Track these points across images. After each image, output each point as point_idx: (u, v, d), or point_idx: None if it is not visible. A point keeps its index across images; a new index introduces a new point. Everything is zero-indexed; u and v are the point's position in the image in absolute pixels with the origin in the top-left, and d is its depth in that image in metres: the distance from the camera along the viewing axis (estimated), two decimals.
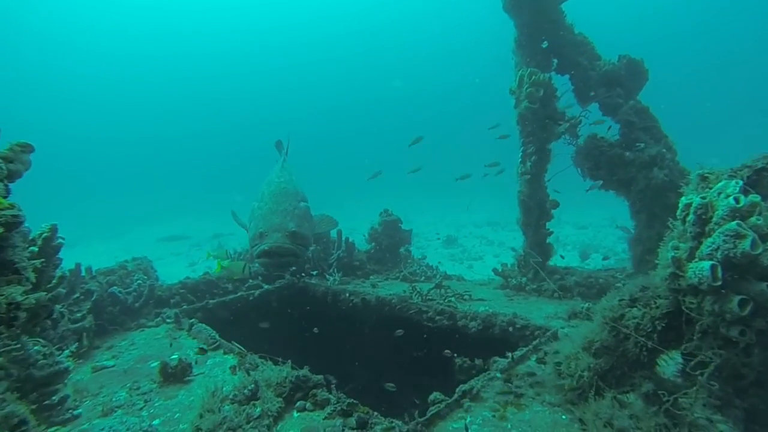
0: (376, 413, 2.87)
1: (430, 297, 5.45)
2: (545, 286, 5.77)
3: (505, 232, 21.36)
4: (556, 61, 6.06)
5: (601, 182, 5.40)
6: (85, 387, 3.65)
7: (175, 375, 3.68)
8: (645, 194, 5.16)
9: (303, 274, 6.75)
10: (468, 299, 5.56)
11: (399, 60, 75.39)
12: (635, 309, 2.46)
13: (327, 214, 5.78)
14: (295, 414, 2.99)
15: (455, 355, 4.68)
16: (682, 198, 2.16)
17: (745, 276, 1.91)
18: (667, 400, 2.01)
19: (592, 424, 2.38)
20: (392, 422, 2.76)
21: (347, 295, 5.98)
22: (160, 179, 61.06)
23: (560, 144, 6.08)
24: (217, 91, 75.50)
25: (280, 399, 3.03)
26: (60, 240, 2.60)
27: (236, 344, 4.23)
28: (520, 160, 6.10)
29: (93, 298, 4.62)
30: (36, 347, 2.35)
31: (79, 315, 4.27)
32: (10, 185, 1.74)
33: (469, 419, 2.87)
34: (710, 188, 2.04)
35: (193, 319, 4.87)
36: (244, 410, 2.85)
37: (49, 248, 2.48)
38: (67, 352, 3.02)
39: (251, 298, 6.09)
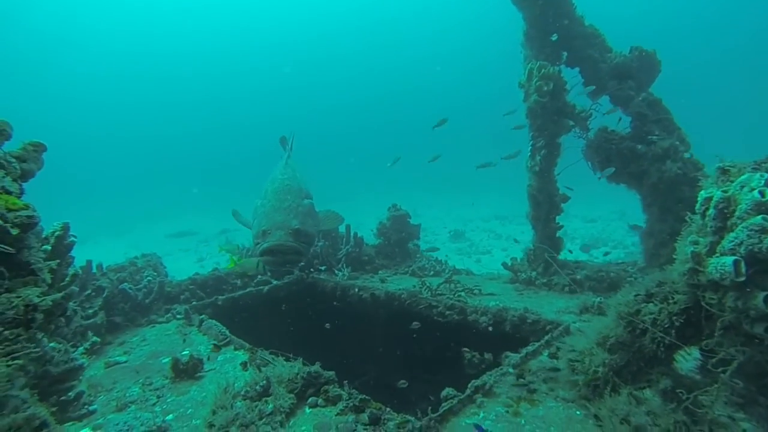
0: (388, 409, 2.87)
1: (440, 292, 5.43)
2: (556, 280, 5.73)
3: (512, 225, 21.27)
4: (565, 54, 5.97)
5: (613, 169, 5.30)
6: (99, 382, 3.68)
7: (186, 371, 3.70)
8: (657, 187, 5.09)
9: (312, 270, 6.75)
10: (478, 294, 5.53)
11: (407, 55, 75.09)
12: (651, 304, 2.42)
13: (333, 210, 5.73)
14: (308, 410, 2.99)
15: (465, 349, 4.67)
16: (701, 192, 2.12)
17: None
18: (687, 398, 1.98)
19: (608, 421, 2.36)
20: (405, 418, 2.75)
21: (356, 290, 5.98)
22: (166, 175, 61.36)
23: (570, 137, 6.01)
24: (224, 87, 75.62)
25: (292, 395, 3.03)
26: (72, 238, 2.61)
27: (246, 342, 4.24)
28: (529, 153, 6.04)
29: (104, 295, 4.65)
30: (51, 344, 2.36)
31: (91, 311, 4.30)
32: (24, 185, 1.74)
33: (482, 415, 2.86)
34: (732, 181, 2.00)
35: (203, 315, 4.90)
36: (256, 406, 2.86)
37: (61, 246, 2.49)
38: (81, 349, 3.04)
39: (260, 293, 6.11)
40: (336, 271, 6.61)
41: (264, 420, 2.75)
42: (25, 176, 1.76)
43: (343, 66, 77.70)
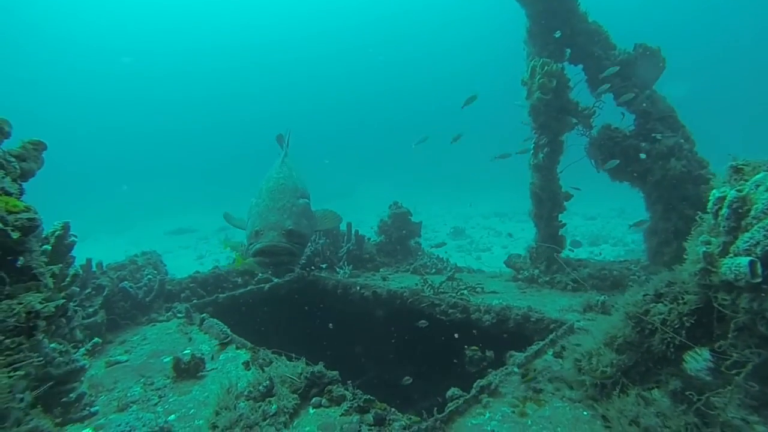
0: (393, 409, 2.84)
1: (442, 290, 5.40)
2: (558, 278, 5.71)
3: (512, 223, 21.27)
4: (569, 51, 5.93)
5: (617, 161, 5.25)
6: (100, 382, 3.65)
7: (188, 371, 3.67)
8: (661, 185, 5.06)
9: (313, 268, 6.72)
10: (480, 292, 5.51)
11: (408, 51, 74.92)
12: (661, 305, 2.39)
13: (330, 209, 5.62)
14: (311, 410, 2.96)
15: (466, 346, 4.64)
16: (713, 191, 2.08)
17: None
18: (699, 399, 1.95)
19: (617, 422, 2.33)
20: (411, 419, 2.73)
21: (358, 288, 5.95)
22: (165, 173, 61.28)
23: (573, 135, 5.98)
24: (224, 84, 75.44)
25: (295, 395, 3.00)
26: (73, 238, 2.57)
27: (247, 341, 4.21)
28: (532, 151, 6.01)
29: (104, 294, 4.61)
30: (52, 345, 2.33)
31: (91, 310, 4.26)
32: (24, 184, 1.69)
33: (488, 415, 2.83)
34: (746, 180, 1.96)
35: (204, 314, 4.86)
36: (259, 407, 2.83)
37: (62, 246, 2.44)
38: (83, 349, 3.00)
39: (261, 291, 6.08)
40: (337, 269, 6.58)
41: (268, 421, 2.72)
42: (25, 176, 1.71)
43: (344, 62, 77.66)
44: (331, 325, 5.37)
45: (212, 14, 71.37)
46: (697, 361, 2.24)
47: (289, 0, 71.27)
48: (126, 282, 5.05)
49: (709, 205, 2.09)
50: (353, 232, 7.10)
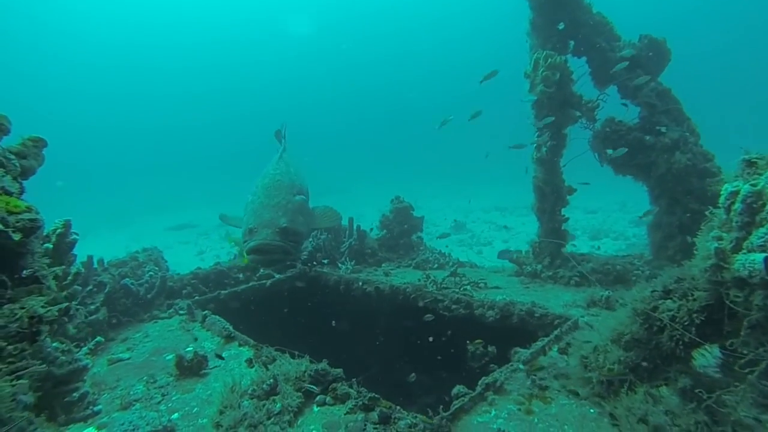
0: (398, 407, 2.82)
1: (445, 285, 5.38)
2: (561, 273, 5.68)
3: (513, 217, 21.23)
4: (572, 43, 5.86)
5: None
6: (103, 380, 3.63)
7: (191, 368, 3.65)
8: (666, 179, 5.01)
9: (314, 263, 6.69)
10: (483, 287, 5.48)
11: (409, 45, 74.54)
12: (669, 301, 2.36)
13: (330, 206, 5.52)
14: (315, 408, 2.94)
15: (468, 341, 4.62)
16: (725, 185, 2.04)
17: None
18: (709, 397, 1.93)
19: (625, 420, 2.31)
20: (416, 417, 2.70)
21: (360, 284, 5.92)
22: (166, 168, 61.17)
23: (576, 128, 5.92)
24: (225, 79, 75.18)
25: (299, 393, 2.98)
26: (74, 236, 2.53)
27: (249, 338, 4.19)
28: (535, 145, 5.96)
29: (106, 291, 4.58)
30: (54, 344, 2.30)
31: (92, 307, 4.24)
32: (24, 182, 1.65)
33: (494, 413, 2.81)
34: (759, 174, 1.92)
35: (206, 311, 4.84)
36: (264, 406, 2.81)
37: (63, 245, 2.40)
38: (85, 349, 2.97)
39: (263, 287, 6.06)
40: (339, 264, 6.55)
41: (272, 420, 2.70)
42: (25, 173, 1.66)
43: (345, 57, 77.16)
44: (334, 322, 5.34)
45: (210, 9, 70.93)
46: (707, 358, 2.21)
47: None
48: (127, 279, 5.02)
49: (721, 199, 2.05)
50: (355, 227, 7.06)
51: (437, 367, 5.48)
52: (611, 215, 20.05)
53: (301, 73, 77.14)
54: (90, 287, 4.47)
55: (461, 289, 5.26)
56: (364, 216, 12.12)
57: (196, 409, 3.16)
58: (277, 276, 6.25)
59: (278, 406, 2.80)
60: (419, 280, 5.59)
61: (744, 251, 1.87)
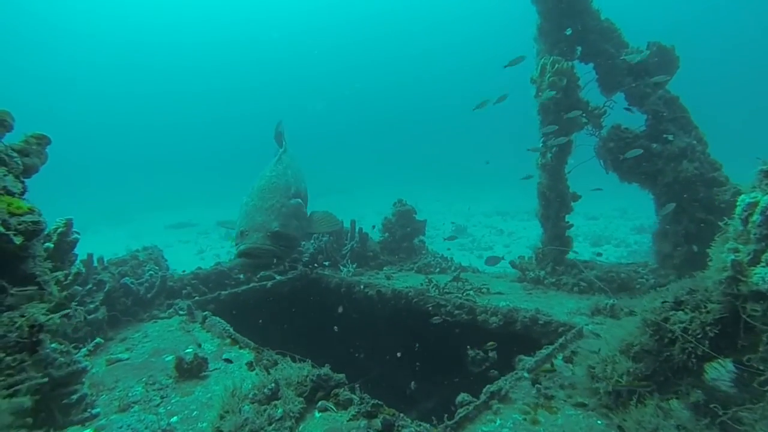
0: (402, 415, 2.77)
1: (448, 290, 5.33)
2: (564, 280, 5.64)
3: (514, 221, 21.20)
4: (580, 48, 5.83)
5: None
6: (101, 381, 3.58)
7: (191, 370, 3.60)
8: (672, 187, 4.97)
9: (316, 265, 6.65)
10: (486, 292, 5.44)
11: (411, 47, 74.67)
12: (681, 312, 2.32)
13: (329, 211, 5.42)
14: (317, 414, 2.90)
15: (468, 346, 4.58)
16: (742, 196, 2.00)
17: None
18: (725, 413, 1.88)
19: None
20: (420, 425, 2.66)
21: (362, 287, 5.87)
22: (166, 166, 61.16)
23: (582, 135, 5.89)
24: (225, 78, 75.26)
25: (301, 399, 2.93)
26: (75, 235, 2.48)
27: (250, 340, 4.14)
28: (540, 150, 5.92)
29: (106, 289, 4.54)
30: (53, 345, 2.25)
31: (92, 306, 4.19)
32: (26, 181, 1.60)
33: (499, 422, 2.76)
34: None
35: (206, 312, 4.79)
36: (265, 411, 2.76)
37: (64, 244, 2.36)
38: (84, 350, 2.92)
39: (264, 288, 6.01)
40: (341, 267, 6.50)
41: (273, 425, 2.65)
42: (27, 172, 1.61)
43: (346, 57, 77.32)
44: (336, 328, 5.28)
45: (213, 7, 71.08)
46: (719, 371, 2.16)
47: None
48: (127, 278, 4.98)
49: (738, 210, 2.01)
50: (357, 229, 7.01)
51: (438, 372, 5.43)
52: (612, 222, 20.02)
53: (303, 73, 77.28)
54: (89, 286, 4.43)
55: (464, 294, 5.22)
56: (365, 218, 12.09)
57: (195, 412, 3.11)
58: (278, 277, 6.20)
59: (280, 411, 2.75)
60: (421, 284, 5.55)
61: (763, 264, 1.83)
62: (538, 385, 3.16)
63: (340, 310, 5.34)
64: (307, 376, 3.07)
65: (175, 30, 71.52)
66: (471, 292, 5.24)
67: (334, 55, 76.56)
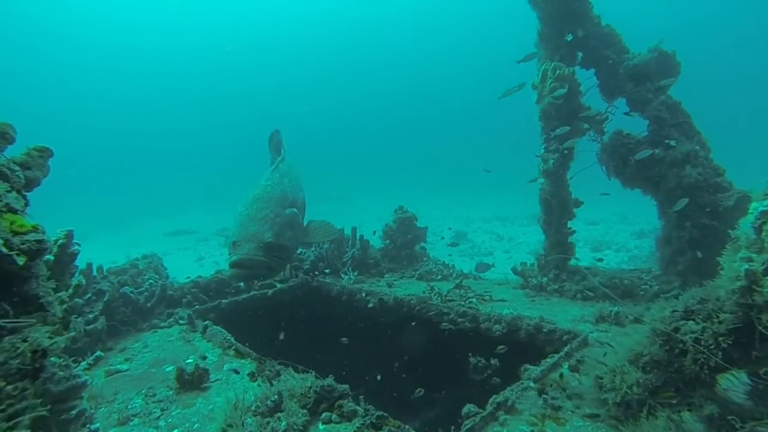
0: (407, 427, 2.73)
1: (450, 298, 5.29)
2: (567, 287, 5.60)
3: (514, 227, 21.17)
4: (581, 54, 5.83)
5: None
6: (100, 393, 3.52)
7: (192, 381, 3.55)
8: (676, 193, 4.94)
9: (317, 273, 6.60)
10: (489, 300, 5.39)
11: (410, 52, 74.99)
12: (692, 322, 2.28)
13: (326, 221, 5.33)
14: (321, 426, 2.84)
15: (470, 354, 4.52)
16: (754, 204, 1.97)
17: None
18: (742, 426, 1.84)
19: None
20: None
21: (363, 295, 5.82)
22: (165, 172, 61.09)
23: (583, 141, 5.87)
24: (224, 84, 75.41)
25: (305, 411, 2.88)
26: (76, 246, 2.44)
27: (251, 349, 4.09)
28: (542, 157, 5.90)
29: (105, 299, 4.49)
30: (51, 358, 2.20)
31: (91, 316, 4.13)
32: (28, 195, 1.56)
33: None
34: None
35: (207, 321, 4.74)
36: (268, 424, 2.70)
37: (65, 256, 2.31)
38: (84, 364, 2.87)
39: (264, 297, 5.96)
40: (342, 275, 6.45)
41: None
42: (29, 185, 1.56)
43: (344, 63, 77.66)
44: (345, 339, 5.20)
45: (213, 12, 71.42)
46: (733, 383, 2.12)
47: (292, 1, 71.39)
48: (127, 287, 4.93)
49: (751, 218, 1.98)
50: (358, 237, 6.97)
51: (441, 381, 5.38)
52: (612, 227, 19.99)
53: (302, 80, 77.51)
54: (89, 295, 4.38)
55: (467, 302, 5.17)
56: (365, 224, 12.02)
57: (197, 425, 3.05)
58: (279, 285, 6.15)
59: (283, 424, 2.70)
60: (423, 291, 5.50)
61: None
62: (545, 396, 3.11)
63: (345, 340, 5.27)
64: (310, 388, 3.02)
65: (173, 34, 71.80)
66: (474, 300, 5.19)
67: (335, 60, 76.90)
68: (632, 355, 2.62)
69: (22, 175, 1.52)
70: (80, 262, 4.44)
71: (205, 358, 4.06)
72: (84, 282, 3.15)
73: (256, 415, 2.80)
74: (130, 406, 3.32)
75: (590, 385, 2.91)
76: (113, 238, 24.37)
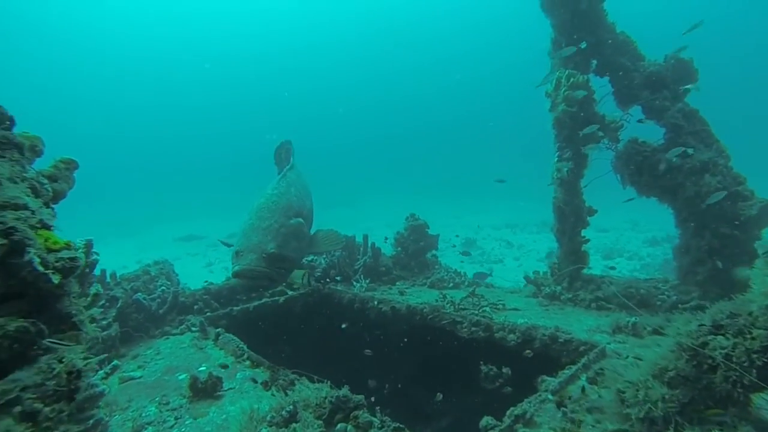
0: None
1: (463, 306, 5.23)
2: (581, 296, 5.53)
3: (524, 234, 21.03)
4: (595, 62, 5.79)
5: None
6: (114, 400, 3.51)
7: (205, 390, 3.52)
8: (694, 202, 4.86)
9: (328, 280, 6.57)
10: (502, 308, 5.33)
11: (420, 58, 75.28)
12: (721, 337, 2.22)
13: (334, 230, 5.27)
14: None
15: (482, 362, 4.46)
16: None
17: None
18: None
19: None
20: None
21: (375, 303, 5.78)
22: (175, 177, 61.65)
23: (598, 148, 5.81)
24: (235, 90, 76.12)
25: (320, 422, 2.84)
26: (95, 256, 2.43)
27: (263, 357, 4.06)
28: (555, 165, 5.85)
29: (118, 306, 4.49)
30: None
31: (105, 323, 4.14)
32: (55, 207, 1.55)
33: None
34: None
35: (219, 329, 4.72)
36: None
37: (85, 266, 2.31)
38: (101, 373, 2.86)
39: (276, 304, 5.94)
40: (353, 282, 6.42)
41: None
42: (56, 197, 1.56)
43: (353, 69, 78.10)
44: (369, 351, 5.13)
45: (224, 18, 72.24)
46: None
47: (300, 7, 72.01)
48: (140, 293, 4.93)
49: None
50: (369, 244, 6.94)
51: (452, 389, 5.31)
52: (624, 234, 19.79)
53: (311, 86, 77.99)
54: (103, 302, 4.38)
55: (480, 310, 5.11)
56: (374, 230, 11.99)
57: None
58: (291, 293, 6.13)
59: None
60: (436, 300, 5.45)
61: None
62: (564, 409, 3.05)
63: (369, 352, 5.20)
64: (325, 398, 2.99)
65: (183, 39, 72.64)
66: (487, 309, 5.13)
67: (346, 66, 77.38)
68: (656, 369, 2.55)
69: (50, 188, 1.51)
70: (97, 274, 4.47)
71: (226, 366, 4.03)
72: (101, 290, 3.15)
73: (271, 426, 2.77)
74: (143, 414, 3.31)
75: (611, 399, 2.84)
76: (123, 242, 24.59)
